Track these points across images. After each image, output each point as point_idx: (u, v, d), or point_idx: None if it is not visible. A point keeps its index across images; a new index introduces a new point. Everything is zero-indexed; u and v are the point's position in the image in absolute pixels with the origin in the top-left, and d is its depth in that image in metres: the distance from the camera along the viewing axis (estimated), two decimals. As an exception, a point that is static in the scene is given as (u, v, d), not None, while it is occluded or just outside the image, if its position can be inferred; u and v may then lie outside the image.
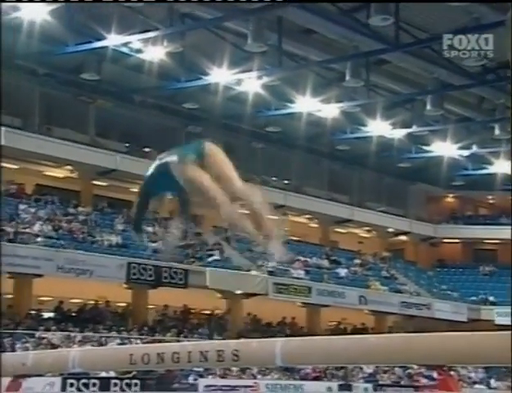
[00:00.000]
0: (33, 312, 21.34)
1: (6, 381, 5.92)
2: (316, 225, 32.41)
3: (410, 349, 4.11)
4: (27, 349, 17.07)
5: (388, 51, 22.02)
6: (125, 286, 23.03)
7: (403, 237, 34.94)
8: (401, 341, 4.19)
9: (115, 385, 17.93)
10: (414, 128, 27.28)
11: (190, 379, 20.19)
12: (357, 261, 31.04)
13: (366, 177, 33.55)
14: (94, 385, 17.27)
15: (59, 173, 25.49)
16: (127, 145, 26.98)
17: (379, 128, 27.40)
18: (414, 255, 35.36)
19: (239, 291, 25.41)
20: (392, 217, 33.52)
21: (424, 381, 24.38)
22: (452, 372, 4.32)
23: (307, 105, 25.27)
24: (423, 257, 35.31)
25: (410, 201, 35.34)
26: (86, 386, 16.95)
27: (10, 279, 21.12)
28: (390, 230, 33.84)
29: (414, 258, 35.20)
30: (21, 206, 22.33)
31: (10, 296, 21.82)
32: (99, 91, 25.26)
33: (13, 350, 16.77)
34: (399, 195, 34.80)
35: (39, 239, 20.97)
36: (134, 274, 22.17)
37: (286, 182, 31.60)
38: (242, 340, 5.20)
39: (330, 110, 26.13)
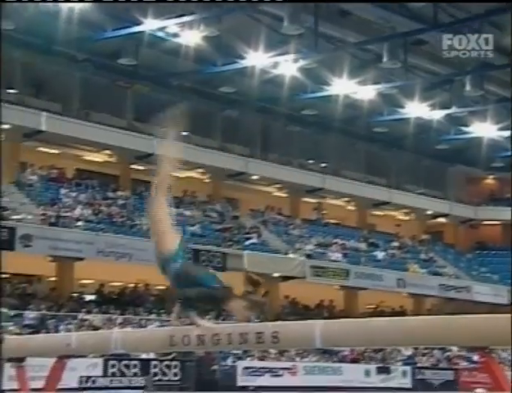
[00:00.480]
0: (75, 294, 21.73)
1: (51, 361, 6.06)
2: (353, 208, 32.27)
3: (451, 330, 4.10)
4: (70, 330, 17.40)
5: (426, 32, 21.73)
6: (164, 269, 23.26)
7: (442, 220, 34.60)
8: (441, 322, 4.18)
9: (155, 366, 18.19)
10: (453, 110, 26.93)
11: (229, 361, 20.37)
12: (395, 244, 30.87)
13: (404, 159, 33.24)
14: (135, 366, 17.53)
15: (98, 157, 25.78)
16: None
17: (417, 109, 27.10)
18: (453, 238, 35.01)
19: (276, 274, 25.47)
20: (431, 199, 33.20)
21: (464, 363, 24.23)
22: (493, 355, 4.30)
23: (344, 87, 25.10)
24: (462, 239, 34.94)
25: (450, 183, 34.96)
26: (127, 367, 17.21)
27: (52, 262, 21.53)
28: (429, 212, 33.53)
29: (453, 240, 34.86)
30: (62, 191, 22.70)
31: (53, 279, 22.27)
32: (136, 75, 25.43)
33: (56, 332, 17.12)
34: (438, 177, 34.43)
35: (80, 223, 21.29)
36: (173, 258, 22.33)
37: (323, 165, 31.50)
38: (281, 322, 5.22)
39: (366, 92, 25.92)
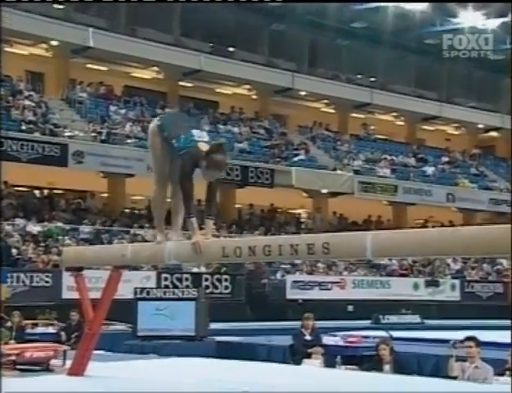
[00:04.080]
0: (127, 210, 22.20)
1: (107, 273, 6.25)
2: (402, 123, 31.81)
3: (504, 240, 4.07)
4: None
5: None
6: (213, 185, 23.45)
7: (494, 133, 33.88)
8: (494, 232, 4.15)
9: (206, 280, 18.63)
10: (509, 18, 25.93)
11: (278, 275, 20.72)
12: (445, 159, 30.46)
13: (455, 71, 32.37)
14: (187, 279, 17.99)
15: (146, 74, 25.77)
16: (211, 45, 26.89)
17: (471, 19, 26.17)
18: (505, 152, 34.24)
19: (324, 191, 25.51)
20: (483, 112, 32.41)
21: (513, 276, 24.16)
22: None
23: (394, -3, 24.37)
24: (515, 153, 34.25)
25: (503, 96, 33.98)
26: (179, 280, 17.69)
27: (104, 179, 21.95)
28: (480, 126, 32.83)
29: (505, 154, 34.12)
30: (111, 108, 22.87)
31: (105, 195, 22.76)
32: (182, -10, 25.06)
33: (110, 246, 17.61)
34: (490, 89, 33.48)
35: (130, 140, 21.52)
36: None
37: (372, 79, 30.92)
38: (332, 233, 5.27)
39: (418, 2, 25.10)
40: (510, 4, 25.17)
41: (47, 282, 16.16)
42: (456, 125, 32.84)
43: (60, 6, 23.49)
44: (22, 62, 22.80)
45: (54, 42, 22.65)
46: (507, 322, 10.38)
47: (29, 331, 12.82)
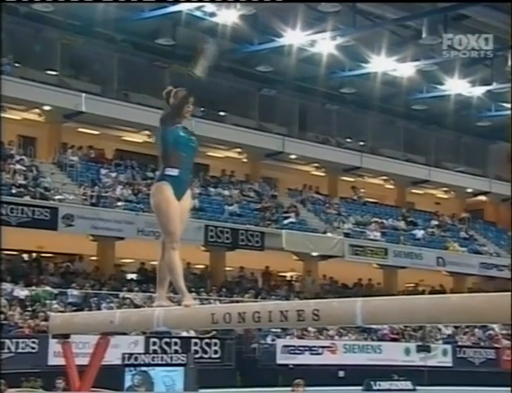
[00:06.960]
0: (116, 273, 22.03)
1: (94, 339, 6.18)
2: (392, 186, 32.05)
3: (494, 308, 4.07)
4: (112, 308, 17.67)
5: (467, 6, 21.34)
6: (203, 248, 23.45)
7: (483, 198, 34.15)
8: (484, 300, 4.15)
9: (196, 344, 18.42)
10: (494, 86, 26.46)
11: (269, 339, 20.50)
12: (435, 222, 30.59)
13: (443, 137, 32.82)
14: (175, 344, 17.78)
15: (137, 138, 25.95)
16: (202, 109, 27.21)
17: (457, 86, 26.70)
18: (494, 216, 34.53)
19: (315, 253, 25.49)
20: (471, 177, 32.76)
21: (505, 342, 24.00)
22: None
23: (383, 64, 24.85)
24: (503, 217, 34.39)
25: (490, 161, 34.43)
26: (168, 344, 17.47)
27: (93, 242, 21.86)
28: (469, 190, 33.11)
29: (494, 218, 34.39)
30: (102, 171, 22.96)
31: (94, 258, 22.62)
32: (174, 56, 25.49)
33: (99, 310, 17.41)
34: (478, 154, 33.94)
35: (120, 203, 21.54)
36: (212, 237, 22.54)
37: (362, 143, 31.28)
38: (322, 300, 5.25)
39: (405, 70, 25.63)
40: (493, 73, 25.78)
41: (33, 348, 15.91)
42: (445, 189, 33.11)
43: (54, 73, 23.84)
44: (14, 127, 22.94)
45: (47, 108, 22.88)
46: (501, 389, 10.26)
47: (13, 399, 12.52)
